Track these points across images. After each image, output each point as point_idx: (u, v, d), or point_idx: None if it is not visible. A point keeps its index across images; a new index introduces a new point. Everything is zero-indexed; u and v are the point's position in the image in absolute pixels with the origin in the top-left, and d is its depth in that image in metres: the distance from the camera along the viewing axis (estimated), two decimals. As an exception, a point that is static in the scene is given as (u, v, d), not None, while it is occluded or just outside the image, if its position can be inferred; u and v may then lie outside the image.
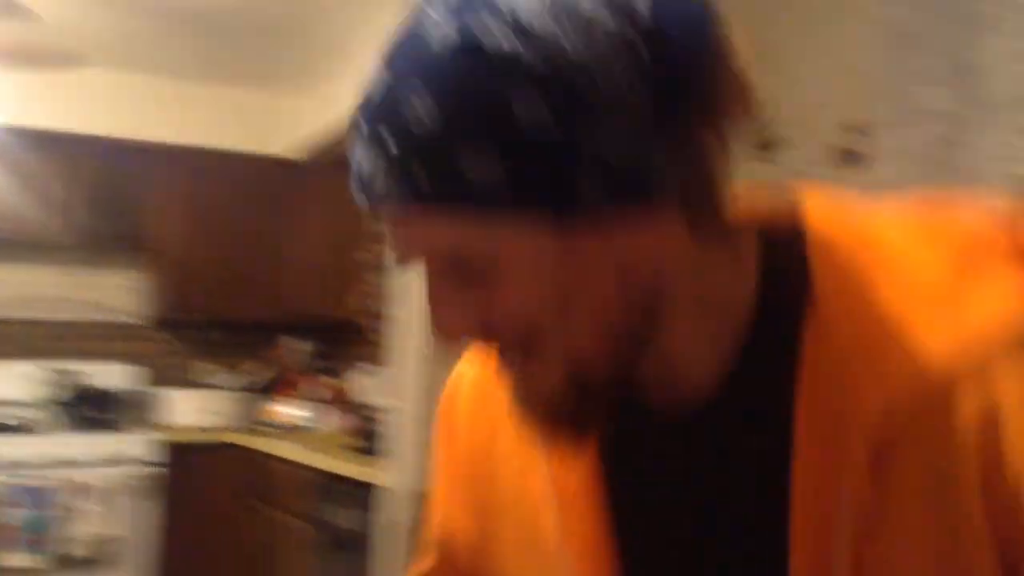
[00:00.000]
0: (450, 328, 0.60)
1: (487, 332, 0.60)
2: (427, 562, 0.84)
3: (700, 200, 0.59)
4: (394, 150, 0.55)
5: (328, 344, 4.60)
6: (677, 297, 0.62)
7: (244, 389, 4.41)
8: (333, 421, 4.01)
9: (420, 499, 2.41)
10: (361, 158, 0.57)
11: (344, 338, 4.39)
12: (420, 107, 0.54)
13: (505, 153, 0.54)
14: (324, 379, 4.37)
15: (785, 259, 0.65)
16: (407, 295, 2.48)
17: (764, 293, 0.65)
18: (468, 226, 0.56)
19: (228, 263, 4.29)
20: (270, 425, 4.09)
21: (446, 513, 0.82)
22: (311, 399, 4.22)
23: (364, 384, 3.59)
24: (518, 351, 0.61)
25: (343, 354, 4.48)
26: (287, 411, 4.14)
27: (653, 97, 0.55)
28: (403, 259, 0.61)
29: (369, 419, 3.25)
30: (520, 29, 0.54)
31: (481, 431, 0.78)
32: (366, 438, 3.21)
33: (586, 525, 0.70)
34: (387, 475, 2.52)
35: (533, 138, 0.54)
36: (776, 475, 0.62)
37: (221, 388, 4.36)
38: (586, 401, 0.62)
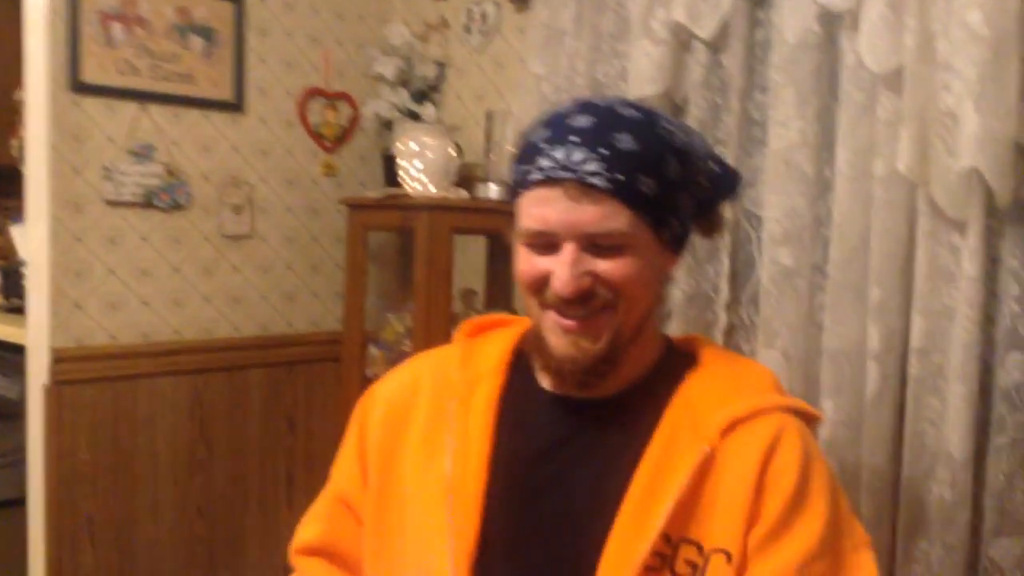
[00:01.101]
0: (575, 287, 0.98)
1: (590, 291, 1.00)
2: (319, 526, 1.20)
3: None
4: (608, 154, 0.97)
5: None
6: (652, 323, 1.11)
7: None
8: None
9: (58, 358, 2.21)
10: (570, 153, 0.98)
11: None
12: (624, 141, 0.98)
13: (659, 184, 1.00)
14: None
15: (679, 345, 1.16)
16: (38, 143, 2.19)
17: (664, 353, 1.13)
18: (629, 218, 0.98)
19: None
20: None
21: (348, 482, 1.18)
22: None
23: (15, 237, 3.21)
24: (598, 308, 1.01)
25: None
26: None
27: (710, 194, 1.10)
28: (555, 236, 1.00)
29: (18, 275, 2.92)
30: (668, 121, 1.04)
31: (393, 426, 1.15)
32: (17, 296, 2.89)
33: (474, 465, 1.06)
34: (27, 334, 2.28)
35: (669, 185, 1.01)
36: (634, 455, 1.01)
37: None
38: (604, 363, 1.04)
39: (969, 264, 1.40)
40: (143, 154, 2.29)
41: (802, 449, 1.02)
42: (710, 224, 1.14)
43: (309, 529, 1.21)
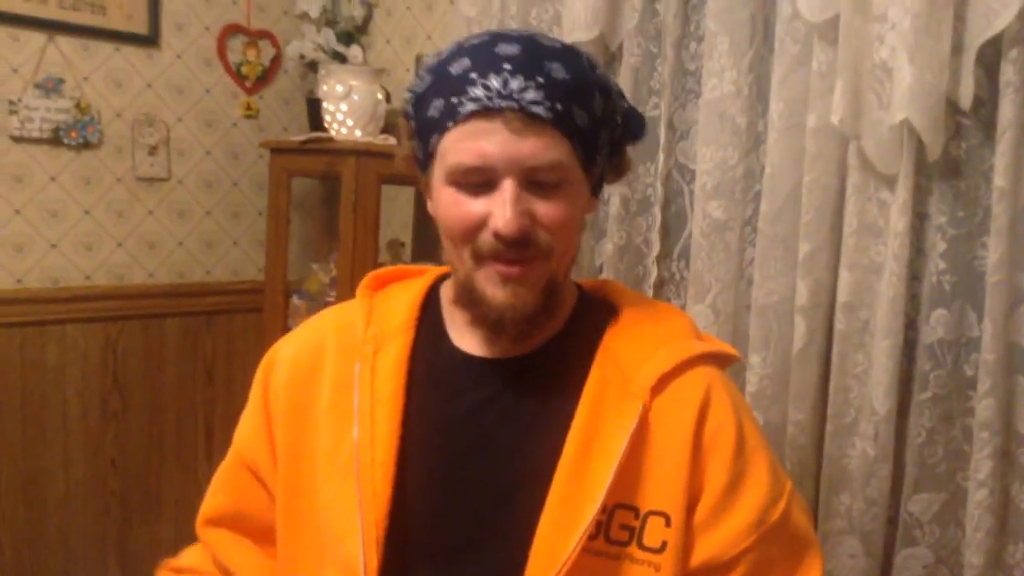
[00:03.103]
0: (518, 226, 0.91)
1: (530, 234, 0.92)
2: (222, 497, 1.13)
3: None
4: (544, 82, 0.90)
5: None
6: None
7: None
8: None
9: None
10: (507, 81, 0.90)
11: None
12: (557, 70, 0.91)
13: (589, 117, 0.94)
14: None
15: (592, 291, 1.11)
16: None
17: (579, 302, 1.07)
18: (565, 150, 0.93)
19: None
20: None
21: (254, 451, 1.10)
22: None
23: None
24: (536, 256, 0.94)
25: None
26: None
27: (620, 134, 1.03)
28: (492, 172, 0.91)
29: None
30: (586, 55, 0.97)
31: (299, 390, 1.06)
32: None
33: (383, 430, 0.99)
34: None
35: (596, 120, 0.96)
36: (562, 417, 0.97)
37: None
38: (542, 313, 0.97)
39: (897, 220, 1.39)
40: (51, 88, 2.17)
41: (731, 403, 1.00)
42: (617, 167, 1.07)
43: (214, 499, 1.13)
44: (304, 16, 2.49)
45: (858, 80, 1.40)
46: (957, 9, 1.34)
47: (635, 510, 0.94)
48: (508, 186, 0.91)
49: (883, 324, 1.41)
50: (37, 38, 2.15)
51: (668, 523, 0.93)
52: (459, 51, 0.94)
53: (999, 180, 1.31)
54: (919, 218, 1.43)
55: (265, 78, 2.58)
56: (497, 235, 0.91)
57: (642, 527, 0.94)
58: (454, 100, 0.92)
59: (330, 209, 2.63)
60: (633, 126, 1.04)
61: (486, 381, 1.01)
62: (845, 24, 1.41)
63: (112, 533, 2.41)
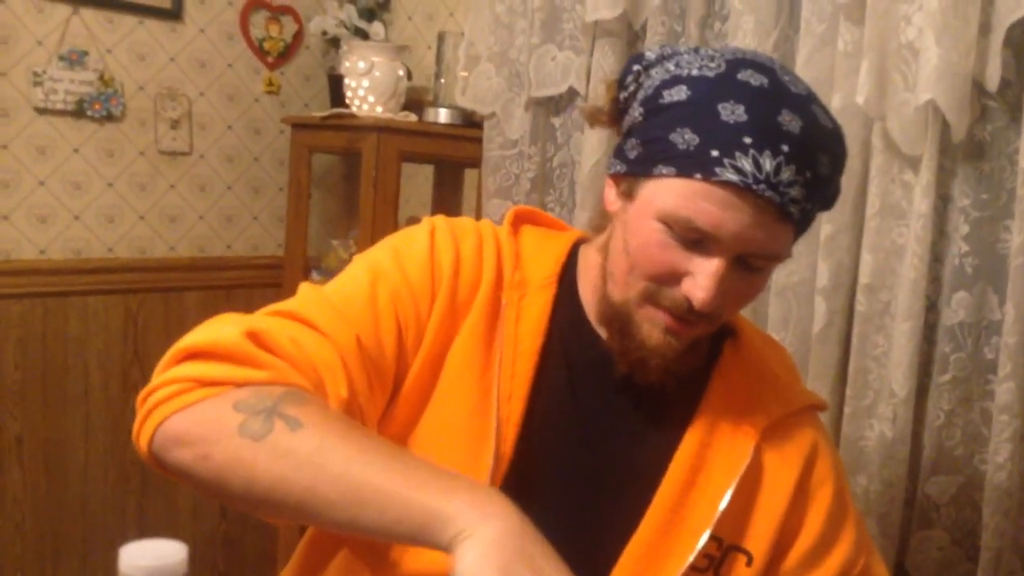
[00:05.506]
0: (714, 304, 0.86)
1: (718, 308, 0.88)
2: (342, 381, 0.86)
3: None
4: (811, 179, 0.84)
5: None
6: None
7: None
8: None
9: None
10: (780, 168, 0.82)
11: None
12: (824, 164, 0.86)
13: (822, 207, 0.91)
14: None
15: None
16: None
17: None
18: (790, 241, 0.88)
19: None
20: None
21: (373, 338, 0.90)
22: None
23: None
24: (710, 317, 0.89)
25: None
26: None
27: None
28: (718, 241, 0.84)
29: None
30: (841, 132, 0.90)
31: (453, 312, 0.95)
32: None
33: (524, 388, 0.94)
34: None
35: (822, 207, 0.92)
36: (670, 433, 0.97)
37: None
38: (680, 359, 0.93)
39: (920, 201, 1.39)
40: (75, 60, 2.18)
41: (833, 459, 1.02)
42: None
43: (334, 380, 0.86)
44: (326, -9, 2.50)
45: (884, 60, 1.40)
46: (985, -11, 1.33)
47: (719, 540, 0.94)
48: (720, 263, 0.85)
49: (904, 306, 1.40)
50: (62, 10, 2.15)
51: (749, 562, 0.94)
52: (734, 88, 0.85)
53: (1024, 163, 1.30)
54: (942, 200, 1.43)
55: (287, 54, 2.58)
56: (688, 300, 0.87)
57: (722, 559, 0.94)
58: (714, 154, 0.83)
59: (350, 185, 2.63)
60: (833, 199, 0.96)
61: (610, 377, 0.96)
62: (871, 4, 1.40)
63: (131, 503, 2.43)
